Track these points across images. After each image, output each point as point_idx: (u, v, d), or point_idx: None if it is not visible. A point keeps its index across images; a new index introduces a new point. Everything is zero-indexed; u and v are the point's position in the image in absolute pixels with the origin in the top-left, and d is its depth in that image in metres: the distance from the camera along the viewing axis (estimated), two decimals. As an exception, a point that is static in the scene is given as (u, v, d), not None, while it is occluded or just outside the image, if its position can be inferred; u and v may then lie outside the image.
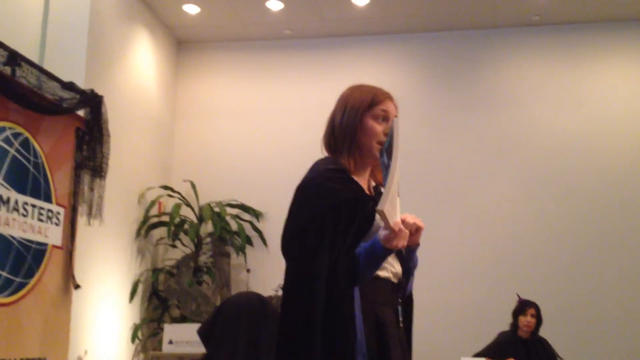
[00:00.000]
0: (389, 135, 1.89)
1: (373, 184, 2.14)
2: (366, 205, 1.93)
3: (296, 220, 1.94)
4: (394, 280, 2.01)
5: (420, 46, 6.52)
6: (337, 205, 1.90)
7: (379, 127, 2.04)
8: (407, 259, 2.02)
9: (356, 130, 2.03)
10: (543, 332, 5.08)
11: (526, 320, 5.00)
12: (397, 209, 1.81)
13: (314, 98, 6.43)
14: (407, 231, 1.81)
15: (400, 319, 2.02)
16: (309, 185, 1.97)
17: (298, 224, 1.93)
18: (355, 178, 2.03)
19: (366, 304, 1.87)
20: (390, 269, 1.99)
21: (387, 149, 1.89)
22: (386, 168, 1.87)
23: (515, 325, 5.07)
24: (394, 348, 1.92)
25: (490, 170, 6.20)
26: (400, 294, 2.03)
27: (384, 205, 1.74)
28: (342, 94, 2.13)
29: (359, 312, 1.84)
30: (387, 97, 2.09)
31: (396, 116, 2.07)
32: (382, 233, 1.80)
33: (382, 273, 1.96)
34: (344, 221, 1.89)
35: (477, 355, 4.83)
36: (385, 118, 2.06)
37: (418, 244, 1.99)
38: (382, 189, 1.95)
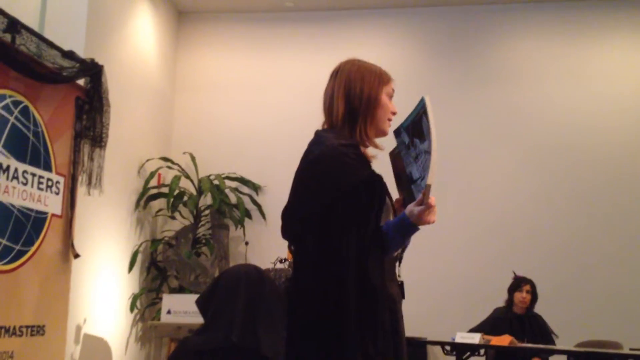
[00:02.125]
0: (414, 113, 1.90)
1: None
2: (382, 182, 1.95)
3: (317, 196, 1.91)
4: (397, 254, 2.05)
5: (422, 21, 6.48)
6: (359, 181, 1.90)
7: (390, 105, 2.08)
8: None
9: (376, 104, 2.04)
10: (538, 309, 5.12)
11: (521, 296, 5.04)
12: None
13: (315, 71, 6.38)
14: (435, 208, 1.85)
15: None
16: (325, 160, 1.93)
17: (320, 200, 1.90)
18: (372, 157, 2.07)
19: None
20: None
21: (409, 126, 1.90)
22: (408, 146, 1.87)
23: (510, 301, 5.11)
24: (401, 321, 1.98)
25: (489, 146, 6.20)
26: (399, 268, 2.07)
27: (433, 180, 1.76)
28: (346, 67, 2.09)
29: None
30: (390, 76, 2.13)
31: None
32: (416, 209, 1.83)
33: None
34: (366, 197, 1.89)
35: (472, 330, 4.88)
36: (391, 96, 2.10)
37: None
38: (406, 168, 1.97)
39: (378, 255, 1.87)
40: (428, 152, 1.81)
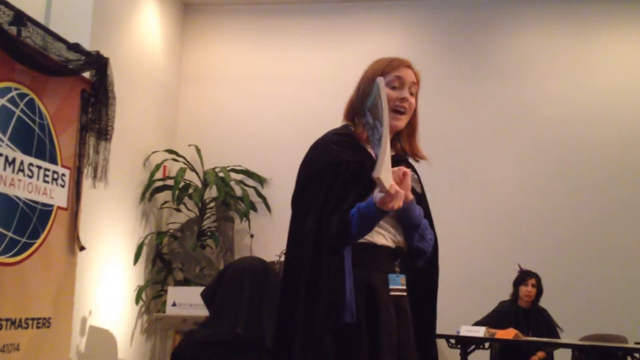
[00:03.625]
0: (372, 94, 1.89)
1: (392, 152, 2.13)
2: (366, 170, 1.94)
3: (297, 179, 2.05)
4: (394, 246, 2.01)
5: (430, 13, 6.45)
6: (333, 164, 1.94)
7: (393, 94, 2.04)
8: (404, 216, 1.99)
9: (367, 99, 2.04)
10: (543, 302, 5.12)
11: (527, 290, 5.04)
12: (390, 171, 1.81)
13: (322, 64, 6.38)
14: (402, 192, 1.82)
15: (399, 286, 2.01)
16: (312, 146, 2.07)
17: (298, 182, 2.03)
18: (369, 145, 2.04)
19: (359, 269, 1.90)
20: (390, 236, 2.00)
21: (371, 108, 1.90)
22: (372, 128, 1.87)
23: (515, 294, 5.11)
24: (384, 312, 1.94)
25: (495, 139, 6.18)
26: (398, 260, 2.03)
27: (380, 172, 1.74)
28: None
29: (350, 275, 1.87)
30: (402, 64, 2.09)
31: (381, 81, 2.08)
32: (378, 196, 1.81)
33: (379, 240, 1.98)
34: (340, 180, 1.92)
35: (477, 323, 4.88)
36: (401, 85, 2.06)
37: (411, 200, 1.96)
38: (372, 150, 1.97)
39: (341, 238, 1.87)
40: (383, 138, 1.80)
